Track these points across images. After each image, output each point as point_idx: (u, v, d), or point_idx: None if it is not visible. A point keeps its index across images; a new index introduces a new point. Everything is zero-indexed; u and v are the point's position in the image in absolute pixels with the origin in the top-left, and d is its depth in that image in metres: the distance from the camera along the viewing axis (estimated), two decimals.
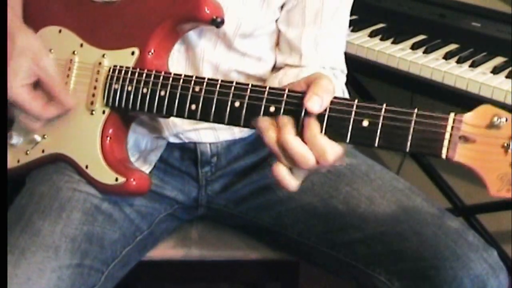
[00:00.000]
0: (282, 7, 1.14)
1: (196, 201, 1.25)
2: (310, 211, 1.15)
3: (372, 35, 1.63)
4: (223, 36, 1.10)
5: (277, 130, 0.86)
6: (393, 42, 1.59)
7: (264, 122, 0.87)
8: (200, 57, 1.11)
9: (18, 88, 1.04)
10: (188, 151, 1.19)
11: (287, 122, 0.85)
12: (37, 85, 1.08)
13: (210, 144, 1.19)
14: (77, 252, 1.03)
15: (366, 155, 1.21)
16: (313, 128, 0.83)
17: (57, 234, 1.03)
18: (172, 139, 1.17)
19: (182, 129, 1.15)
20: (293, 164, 0.85)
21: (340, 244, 1.12)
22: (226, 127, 1.17)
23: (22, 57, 1.05)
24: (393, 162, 2.16)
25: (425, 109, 0.80)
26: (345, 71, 1.19)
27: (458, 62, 1.51)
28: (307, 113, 0.84)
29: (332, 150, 0.83)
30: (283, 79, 1.10)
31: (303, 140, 0.84)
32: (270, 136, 0.86)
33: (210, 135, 1.18)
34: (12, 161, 1.15)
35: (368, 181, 1.13)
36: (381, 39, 1.61)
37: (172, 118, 1.12)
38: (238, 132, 1.19)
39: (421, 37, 1.62)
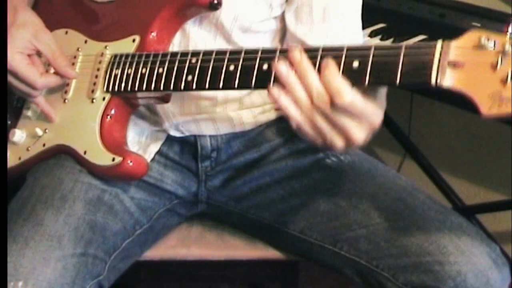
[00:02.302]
0: (288, 6, 1.14)
1: (196, 196, 1.25)
2: (312, 208, 1.15)
3: (372, 35, 1.63)
4: (221, 27, 1.11)
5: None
6: (393, 42, 1.60)
7: (298, 54, 0.86)
8: (201, 49, 1.11)
9: (14, 54, 1.07)
10: (188, 145, 1.20)
11: (301, 57, 0.86)
12: (36, 58, 1.10)
13: (210, 137, 1.19)
14: (81, 241, 1.03)
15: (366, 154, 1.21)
16: (333, 68, 0.84)
17: (60, 224, 1.03)
18: (173, 132, 1.18)
19: (182, 119, 1.16)
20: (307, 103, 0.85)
21: (343, 240, 1.11)
22: (225, 118, 1.18)
23: (23, 29, 1.08)
24: (393, 162, 2.17)
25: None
26: None
27: None
28: None
29: (349, 92, 0.82)
30: None
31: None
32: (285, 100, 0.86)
33: (210, 126, 1.18)
34: (13, 159, 1.16)
35: (370, 178, 1.13)
36: (381, 39, 1.61)
37: (170, 108, 1.13)
38: (238, 125, 1.20)
39: (421, 37, 1.62)
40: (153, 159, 1.19)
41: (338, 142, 0.87)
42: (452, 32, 1.57)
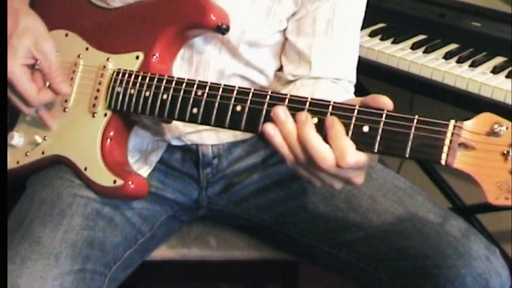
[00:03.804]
0: (291, 16, 1.13)
1: (197, 202, 1.24)
2: (311, 210, 1.15)
3: (372, 35, 1.63)
4: (227, 43, 1.10)
5: (295, 126, 0.84)
6: (393, 42, 1.60)
7: (282, 114, 0.85)
8: (205, 62, 1.11)
9: (15, 67, 1.03)
10: (190, 152, 1.19)
11: (307, 119, 0.84)
12: (36, 70, 1.08)
13: (212, 145, 1.18)
14: (78, 258, 1.02)
15: None
16: (338, 128, 0.83)
17: (57, 241, 1.02)
18: (175, 142, 1.17)
19: (184, 131, 1.15)
20: (309, 163, 0.84)
21: (342, 243, 1.12)
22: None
23: (24, 37, 1.05)
24: (393, 162, 2.16)
25: (426, 116, 0.80)
26: (354, 81, 1.18)
27: (458, 62, 1.51)
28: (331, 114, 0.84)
29: (354, 153, 0.81)
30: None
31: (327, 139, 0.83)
32: (289, 130, 0.84)
33: (212, 136, 1.17)
34: (11, 162, 1.15)
35: (369, 180, 1.13)
36: (381, 39, 1.61)
37: (174, 121, 1.12)
38: (240, 134, 1.19)
39: (421, 37, 1.62)
40: (153, 168, 1.18)
41: (338, 185, 0.87)
42: (452, 32, 1.59)
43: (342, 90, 1.13)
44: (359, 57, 1.21)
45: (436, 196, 1.96)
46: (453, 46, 1.58)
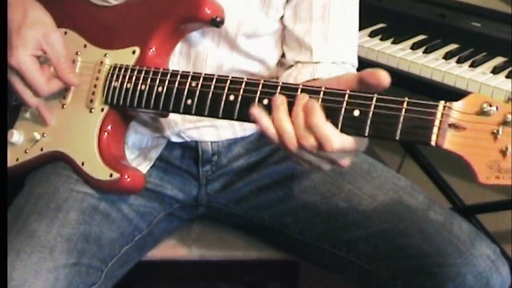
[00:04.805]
0: (286, 3, 1.13)
1: (196, 200, 1.24)
2: (311, 210, 1.15)
3: (372, 35, 1.63)
4: (225, 35, 1.10)
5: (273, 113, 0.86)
6: (393, 42, 1.60)
7: (278, 99, 0.86)
8: (203, 57, 1.11)
9: (26, 57, 1.05)
10: (189, 149, 1.19)
11: (280, 103, 0.85)
12: (44, 62, 1.09)
13: (211, 142, 1.18)
14: (74, 252, 1.02)
15: (366, 154, 1.21)
16: (318, 114, 0.83)
17: (52, 235, 1.02)
18: (174, 138, 1.17)
19: (183, 127, 1.15)
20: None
21: (342, 242, 1.12)
22: (227, 125, 1.17)
23: (33, 28, 1.07)
24: (393, 162, 2.17)
25: (415, 98, 0.80)
26: (356, 65, 1.18)
27: (458, 62, 1.51)
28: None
29: (337, 138, 0.82)
30: (298, 78, 1.09)
31: (307, 125, 0.84)
32: (281, 114, 0.85)
33: (212, 133, 1.17)
34: (11, 160, 1.16)
35: (370, 179, 1.13)
36: (381, 39, 1.61)
37: (173, 117, 1.12)
38: (240, 131, 1.19)
39: (421, 37, 1.62)
40: (153, 165, 1.18)
41: (325, 166, 0.88)
42: (452, 32, 1.59)
43: (342, 70, 1.12)
44: (359, 57, 1.21)
45: (436, 196, 1.96)
46: (453, 46, 1.58)
